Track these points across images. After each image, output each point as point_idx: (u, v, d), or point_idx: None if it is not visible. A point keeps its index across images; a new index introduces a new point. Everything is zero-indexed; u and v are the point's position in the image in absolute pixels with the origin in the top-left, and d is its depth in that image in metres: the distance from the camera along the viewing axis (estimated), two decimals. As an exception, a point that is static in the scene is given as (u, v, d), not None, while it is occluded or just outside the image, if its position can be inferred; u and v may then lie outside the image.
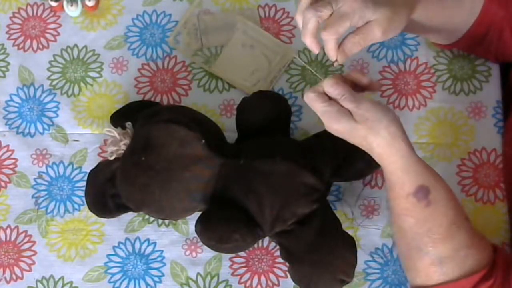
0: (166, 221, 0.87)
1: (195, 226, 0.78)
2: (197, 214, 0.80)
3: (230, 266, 0.86)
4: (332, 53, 0.70)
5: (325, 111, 0.69)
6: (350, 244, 0.79)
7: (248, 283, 0.85)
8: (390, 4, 0.69)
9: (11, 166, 0.91)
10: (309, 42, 0.69)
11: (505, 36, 0.82)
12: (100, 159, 0.90)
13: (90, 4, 0.95)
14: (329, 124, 0.69)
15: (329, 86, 0.69)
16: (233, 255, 0.85)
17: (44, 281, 0.86)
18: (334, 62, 0.71)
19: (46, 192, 0.90)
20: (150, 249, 0.87)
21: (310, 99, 0.70)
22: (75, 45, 0.96)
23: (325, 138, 0.71)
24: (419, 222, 0.70)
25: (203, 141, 0.78)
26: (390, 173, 0.70)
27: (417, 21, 0.77)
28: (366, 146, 0.69)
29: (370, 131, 0.68)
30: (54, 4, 0.95)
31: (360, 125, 0.68)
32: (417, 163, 0.69)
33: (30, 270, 0.87)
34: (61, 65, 0.95)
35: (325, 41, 0.69)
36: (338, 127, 0.69)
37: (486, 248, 0.72)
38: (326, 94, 0.70)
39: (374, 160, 0.71)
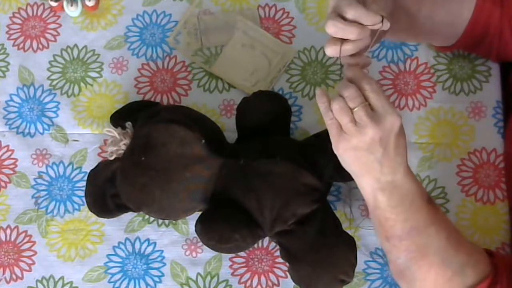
0: (166, 221, 0.87)
1: (195, 226, 0.79)
2: (197, 214, 0.80)
3: (230, 266, 0.86)
4: None
5: None
6: (350, 244, 0.79)
7: (248, 283, 0.85)
8: None
9: (11, 166, 0.91)
10: None
11: (505, 36, 0.82)
12: (100, 159, 0.90)
13: (90, 4, 0.95)
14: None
15: None
16: (233, 255, 0.85)
17: (44, 281, 0.86)
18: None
19: (46, 192, 0.90)
20: (150, 249, 0.87)
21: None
22: (75, 45, 0.95)
23: (325, 138, 0.71)
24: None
25: (203, 141, 0.78)
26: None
27: (423, 20, 0.78)
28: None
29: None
30: (54, 4, 0.95)
31: None
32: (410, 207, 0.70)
33: (30, 270, 0.87)
34: (61, 65, 0.95)
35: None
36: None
37: (483, 258, 0.71)
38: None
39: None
